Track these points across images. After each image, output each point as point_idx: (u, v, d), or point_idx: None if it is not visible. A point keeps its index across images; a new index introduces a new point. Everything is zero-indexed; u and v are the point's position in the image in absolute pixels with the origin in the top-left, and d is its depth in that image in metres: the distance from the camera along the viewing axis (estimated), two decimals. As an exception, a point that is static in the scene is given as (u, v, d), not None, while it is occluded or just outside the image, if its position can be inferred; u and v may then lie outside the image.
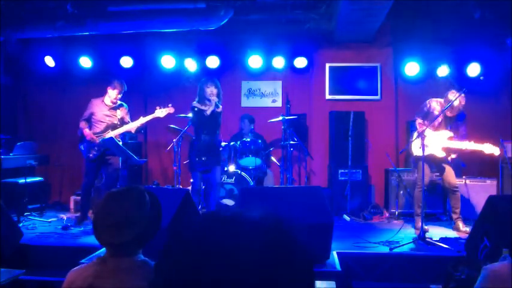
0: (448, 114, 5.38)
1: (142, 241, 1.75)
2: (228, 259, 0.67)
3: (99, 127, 5.67)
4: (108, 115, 5.71)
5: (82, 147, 5.71)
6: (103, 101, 5.73)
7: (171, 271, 0.71)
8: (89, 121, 5.73)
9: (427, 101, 5.54)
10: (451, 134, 5.31)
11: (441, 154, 5.33)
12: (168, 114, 5.80)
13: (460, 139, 5.33)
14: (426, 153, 5.04)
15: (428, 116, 5.45)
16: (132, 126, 5.68)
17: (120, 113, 5.73)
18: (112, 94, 5.66)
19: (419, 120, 5.49)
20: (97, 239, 1.73)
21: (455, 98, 5.00)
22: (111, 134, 5.59)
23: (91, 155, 5.63)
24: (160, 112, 5.68)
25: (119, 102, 5.78)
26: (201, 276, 0.67)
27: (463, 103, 5.28)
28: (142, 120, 5.68)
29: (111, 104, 5.72)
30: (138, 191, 1.77)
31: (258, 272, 0.67)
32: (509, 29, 6.12)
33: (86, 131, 5.65)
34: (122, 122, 5.75)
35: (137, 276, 1.69)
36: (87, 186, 5.77)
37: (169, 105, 5.76)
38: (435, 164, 5.49)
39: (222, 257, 0.68)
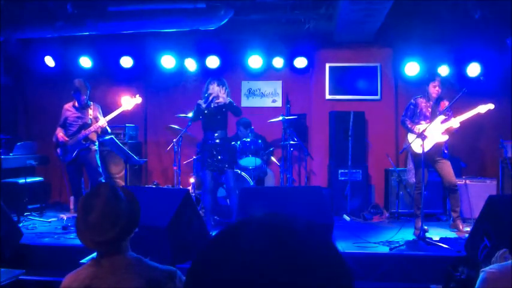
0: (435, 96, 5.48)
1: (125, 234, 1.75)
2: (267, 264, 0.67)
3: (73, 129, 5.78)
4: (80, 116, 5.80)
5: (58, 151, 5.80)
6: (74, 103, 5.83)
7: (207, 275, 0.70)
8: (65, 126, 5.84)
9: (412, 100, 5.61)
10: (443, 116, 5.35)
11: (443, 138, 5.36)
12: (169, 115, 5.82)
13: (452, 116, 5.37)
14: (427, 147, 5.06)
15: (416, 114, 5.53)
16: (103, 122, 5.74)
17: (91, 112, 5.81)
18: (78, 96, 5.76)
19: (408, 121, 5.54)
20: (82, 242, 1.74)
21: (460, 95, 5.02)
22: (83, 133, 5.68)
23: (66, 158, 5.75)
24: (128, 104, 5.78)
25: (89, 102, 5.85)
26: (241, 282, 0.67)
27: (439, 90, 5.43)
28: (112, 114, 5.76)
29: (80, 106, 5.80)
30: (108, 187, 1.77)
31: (295, 282, 0.67)
32: (509, 29, 6.12)
33: (60, 134, 5.75)
34: (96, 120, 5.81)
35: (134, 274, 1.69)
36: (74, 188, 5.97)
37: (137, 95, 5.86)
38: (432, 161, 5.50)
39: (261, 262, 0.67)
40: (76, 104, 5.80)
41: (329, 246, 0.73)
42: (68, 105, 5.87)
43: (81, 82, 5.74)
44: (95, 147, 5.80)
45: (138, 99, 5.83)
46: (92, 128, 5.70)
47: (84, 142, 5.69)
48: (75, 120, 5.77)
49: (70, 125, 5.79)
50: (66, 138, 5.70)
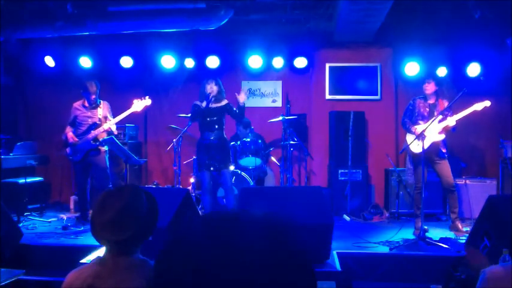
0: (428, 93, 5.51)
1: (140, 239, 1.75)
2: (227, 259, 0.67)
3: (82, 128, 5.73)
4: (89, 116, 5.75)
5: (67, 150, 5.76)
6: (83, 102, 5.78)
7: (171, 270, 0.71)
8: (74, 125, 5.80)
9: (411, 101, 5.67)
10: (440, 116, 5.36)
11: (439, 137, 5.37)
12: (169, 115, 5.80)
13: (450, 115, 5.38)
14: (425, 146, 5.06)
15: (414, 114, 5.56)
16: (112, 122, 5.73)
17: (101, 112, 5.77)
18: (87, 96, 5.72)
19: (408, 122, 5.57)
20: (95, 237, 1.73)
21: (460, 95, 5.02)
22: (93, 133, 5.64)
23: (76, 157, 5.71)
24: (138, 105, 5.74)
25: (99, 100, 5.82)
26: (201, 276, 0.67)
27: (430, 87, 5.47)
28: (121, 115, 5.73)
29: (90, 105, 5.77)
30: (134, 189, 1.77)
31: (257, 272, 0.67)
32: (509, 29, 6.12)
33: (69, 134, 5.71)
34: (106, 120, 5.78)
35: (137, 276, 1.69)
36: (79, 188, 5.91)
37: (147, 97, 5.82)
38: (431, 161, 5.50)
39: (221, 257, 0.68)
40: (86, 103, 5.77)
41: (292, 246, 0.73)
42: (78, 104, 5.82)
43: (90, 81, 5.72)
44: (105, 148, 5.76)
45: (147, 101, 5.80)
46: (101, 129, 5.67)
47: (93, 142, 5.67)
48: (85, 120, 5.73)
49: (79, 124, 5.74)
50: (76, 139, 5.66)
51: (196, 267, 0.68)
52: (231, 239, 0.70)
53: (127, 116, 5.92)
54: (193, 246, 0.71)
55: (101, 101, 5.83)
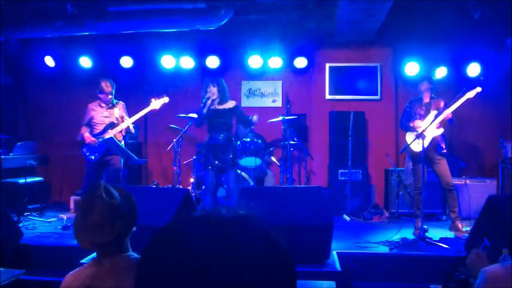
0: (423, 89, 5.56)
1: (125, 235, 1.75)
2: (209, 259, 0.68)
3: (99, 129, 5.69)
4: (106, 116, 5.72)
5: (84, 150, 5.72)
6: (99, 103, 5.75)
7: (154, 269, 0.71)
8: (90, 125, 5.76)
9: (408, 103, 5.71)
10: (435, 111, 5.38)
11: (438, 132, 5.40)
12: (169, 115, 5.77)
13: (445, 109, 5.40)
14: (425, 144, 5.07)
15: (412, 115, 5.58)
16: (130, 121, 5.70)
17: (118, 112, 5.74)
18: (103, 96, 5.68)
19: (405, 121, 5.60)
20: (81, 243, 1.72)
21: (460, 95, 5.04)
22: (111, 133, 5.60)
23: (93, 157, 5.65)
24: (156, 103, 5.70)
25: (115, 100, 5.79)
26: (183, 275, 0.68)
27: (426, 86, 5.53)
28: (140, 114, 5.71)
29: (106, 105, 5.74)
30: (103, 187, 1.76)
31: (237, 272, 0.67)
32: (509, 29, 6.12)
33: (86, 134, 5.68)
34: (122, 120, 5.75)
35: None
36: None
37: (164, 95, 5.80)
38: (430, 160, 5.50)
39: (203, 257, 0.68)
40: (102, 103, 5.73)
41: (268, 238, 0.73)
42: (93, 105, 5.78)
43: (106, 82, 5.68)
44: None
45: (166, 99, 5.78)
46: (118, 128, 5.63)
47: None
48: (102, 120, 5.69)
49: (96, 124, 5.70)
50: (93, 139, 5.62)
51: (176, 267, 0.69)
52: (209, 239, 0.70)
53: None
54: (175, 246, 0.72)
55: (117, 101, 5.79)
